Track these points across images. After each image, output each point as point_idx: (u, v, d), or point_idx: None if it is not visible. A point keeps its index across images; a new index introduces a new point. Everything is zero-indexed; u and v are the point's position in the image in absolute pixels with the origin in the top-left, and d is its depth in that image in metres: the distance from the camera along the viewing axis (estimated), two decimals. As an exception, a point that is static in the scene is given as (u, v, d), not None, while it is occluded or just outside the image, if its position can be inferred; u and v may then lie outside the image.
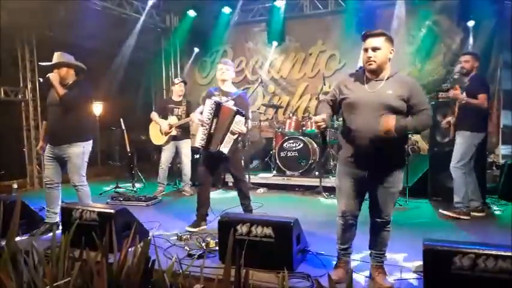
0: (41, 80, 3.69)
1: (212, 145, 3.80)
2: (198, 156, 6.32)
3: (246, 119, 3.85)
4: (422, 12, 6.60)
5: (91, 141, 3.95)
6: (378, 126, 2.36)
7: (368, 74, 2.50)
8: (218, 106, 3.79)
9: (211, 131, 3.78)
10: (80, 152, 3.82)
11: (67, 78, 3.79)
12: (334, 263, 2.81)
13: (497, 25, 6.08)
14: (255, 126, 7.67)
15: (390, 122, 2.34)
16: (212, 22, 7.83)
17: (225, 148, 3.78)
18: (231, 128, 3.76)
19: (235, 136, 3.81)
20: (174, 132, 5.61)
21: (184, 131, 5.74)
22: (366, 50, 2.45)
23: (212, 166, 4.01)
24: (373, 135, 2.39)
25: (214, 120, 3.78)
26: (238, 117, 3.76)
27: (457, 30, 6.44)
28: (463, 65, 4.21)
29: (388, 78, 2.46)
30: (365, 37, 2.47)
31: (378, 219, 2.62)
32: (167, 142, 5.68)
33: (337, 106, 2.62)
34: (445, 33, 6.56)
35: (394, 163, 2.52)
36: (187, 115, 5.58)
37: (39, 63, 3.91)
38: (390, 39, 2.48)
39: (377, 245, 2.68)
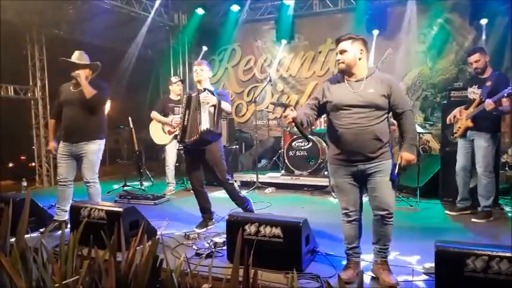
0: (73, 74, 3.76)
1: (188, 135, 3.73)
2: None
3: (219, 97, 3.81)
4: (434, 10, 6.51)
5: (104, 140, 4.00)
6: (362, 121, 2.52)
7: (346, 76, 2.64)
8: (189, 98, 3.78)
9: (185, 123, 3.75)
10: (97, 149, 3.89)
11: (87, 77, 3.86)
12: (345, 263, 2.78)
13: (511, 23, 5.97)
14: (263, 124, 7.67)
15: (410, 157, 2.60)
16: (221, 20, 7.83)
17: (204, 124, 3.68)
18: (201, 106, 3.70)
19: (209, 108, 3.72)
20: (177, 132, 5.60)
21: None
22: (336, 53, 2.64)
23: (198, 168, 3.96)
24: (360, 132, 2.53)
25: (187, 112, 3.76)
26: (203, 94, 3.73)
27: (469, 28, 6.34)
28: (475, 65, 4.08)
29: (367, 78, 2.60)
30: (336, 42, 2.66)
31: (380, 212, 2.63)
32: (170, 141, 5.67)
33: (320, 109, 2.73)
34: (457, 31, 6.46)
35: (383, 154, 2.59)
36: None
37: (62, 58, 3.91)
38: (359, 41, 2.61)
39: (380, 239, 2.69)
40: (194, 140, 3.71)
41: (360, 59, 2.59)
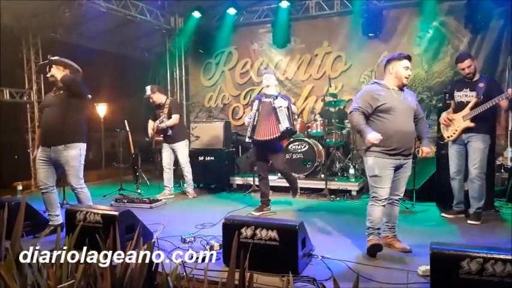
0: (49, 57, 3.69)
1: (256, 134, 4.55)
2: (202, 158, 6.31)
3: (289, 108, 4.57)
4: (429, 13, 6.53)
5: (85, 144, 3.89)
6: (409, 123, 3.21)
7: (393, 86, 3.24)
8: (259, 102, 4.63)
9: (255, 123, 4.57)
10: (77, 153, 3.77)
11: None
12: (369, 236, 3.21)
13: (505, 26, 6.01)
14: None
15: (429, 149, 3.38)
16: (217, 23, 7.84)
17: (284, 124, 4.40)
18: (277, 110, 4.43)
19: (284, 110, 4.43)
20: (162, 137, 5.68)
21: (178, 133, 5.72)
22: (407, 68, 3.21)
23: (263, 159, 4.75)
24: (407, 131, 3.19)
25: (256, 114, 4.59)
26: (277, 101, 4.49)
27: (464, 31, 6.36)
28: (468, 71, 4.16)
29: (403, 90, 3.29)
30: (406, 57, 3.24)
31: (396, 198, 3.30)
32: (158, 145, 5.72)
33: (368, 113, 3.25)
34: (453, 34, 6.48)
35: (412, 153, 3.29)
36: (169, 117, 5.60)
37: (38, 63, 3.92)
38: None
39: (391, 218, 3.33)
40: (275, 137, 4.47)
41: None
